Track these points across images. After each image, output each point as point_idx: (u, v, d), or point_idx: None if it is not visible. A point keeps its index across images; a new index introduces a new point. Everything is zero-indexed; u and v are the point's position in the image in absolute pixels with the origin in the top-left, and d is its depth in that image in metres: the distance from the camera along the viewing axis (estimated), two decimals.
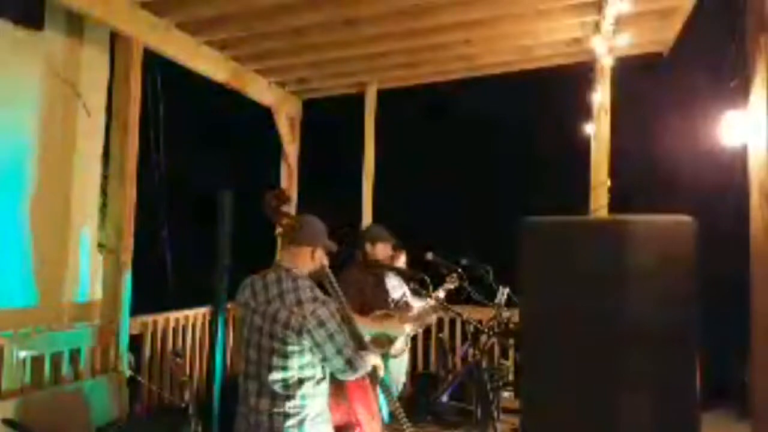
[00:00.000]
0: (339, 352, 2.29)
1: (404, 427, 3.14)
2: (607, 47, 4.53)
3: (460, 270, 3.84)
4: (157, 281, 4.93)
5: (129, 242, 4.10)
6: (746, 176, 2.31)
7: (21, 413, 3.23)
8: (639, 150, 6.04)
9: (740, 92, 2.44)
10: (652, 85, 5.76)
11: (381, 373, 2.84)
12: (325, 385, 2.39)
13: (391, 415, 3.51)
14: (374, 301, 3.76)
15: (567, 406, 1.59)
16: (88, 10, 3.78)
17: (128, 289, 4.07)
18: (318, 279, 2.75)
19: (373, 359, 2.67)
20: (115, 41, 4.24)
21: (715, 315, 2.61)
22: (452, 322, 5.64)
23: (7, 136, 3.91)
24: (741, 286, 2.36)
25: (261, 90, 5.70)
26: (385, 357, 3.66)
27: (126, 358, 4.07)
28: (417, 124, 7.65)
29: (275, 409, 2.28)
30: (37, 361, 3.59)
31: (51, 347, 3.68)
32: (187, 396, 3.32)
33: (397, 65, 5.58)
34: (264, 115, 5.93)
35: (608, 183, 4.88)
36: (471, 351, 4.19)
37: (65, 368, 3.77)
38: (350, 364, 2.34)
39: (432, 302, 3.75)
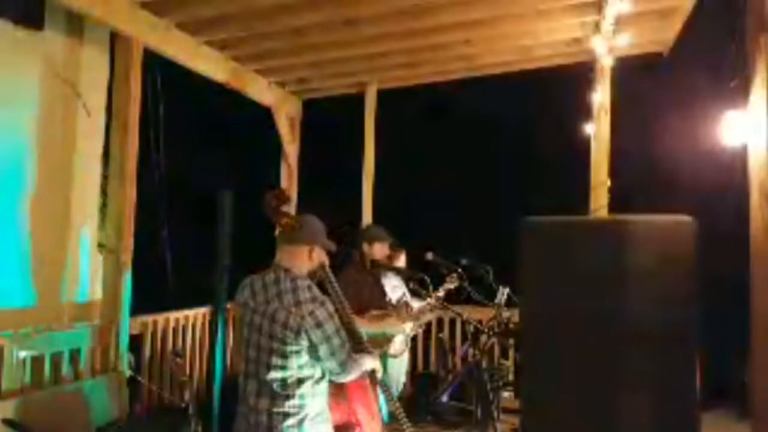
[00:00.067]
0: (333, 354, 2.30)
1: (404, 427, 3.14)
2: (607, 47, 4.53)
3: (460, 270, 3.84)
4: (157, 281, 4.93)
5: (129, 242, 4.10)
6: (746, 176, 2.31)
7: (21, 413, 3.23)
8: (639, 150, 6.04)
9: (740, 92, 2.44)
10: (652, 85, 5.76)
11: (379, 374, 2.84)
12: (324, 385, 2.39)
13: (391, 414, 3.51)
14: (372, 301, 3.76)
15: (567, 406, 1.59)
16: (88, 10, 3.78)
17: (128, 289, 4.08)
18: (318, 279, 2.75)
19: (370, 361, 2.67)
20: (115, 41, 4.24)
21: (715, 315, 2.61)
22: (452, 322, 5.64)
23: (7, 136, 3.91)
24: (741, 286, 2.36)
25: (261, 90, 5.70)
26: (384, 356, 3.66)
27: (126, 358, 4.07)
28: (417, 124, 7.65)
29: (275, 409, 2.28)
30: (37, 361, 3.59)
31: (51, 347, 3.68)
32: (187, 396, 3.33)
33: (397, 65, 5.58)
34: (264, 115, 5.93)
35: (608, 183, 4.88)
36: (471, 351, 4.19)
37: (65, 368, 3.77)
38: (343, 367, 2.35)
39: (431, 301, 3.76)
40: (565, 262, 1.62)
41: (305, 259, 2.43)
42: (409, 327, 4.21)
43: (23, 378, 3.48)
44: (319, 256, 2.52)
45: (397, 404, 3.18)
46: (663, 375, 1.53)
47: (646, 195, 5.93)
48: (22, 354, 3.46)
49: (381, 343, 3.77)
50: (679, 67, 5.29)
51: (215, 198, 3.77)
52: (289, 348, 2.25)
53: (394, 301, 4.18)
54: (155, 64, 4.58)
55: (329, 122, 7.01)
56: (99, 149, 4.47)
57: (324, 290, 2.61)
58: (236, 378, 2.52)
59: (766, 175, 2.17)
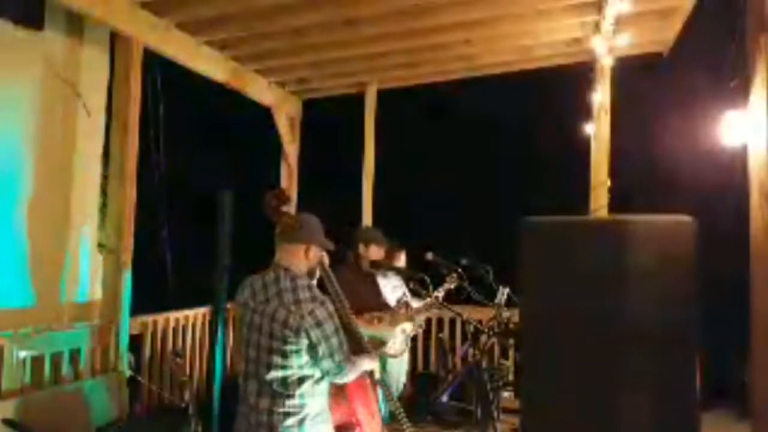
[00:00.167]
0: (331, 354, 2.29)
1: (404, 426, 3.15)
2: (607, 47, 4.53)
3: (460, 270, 3.84)
4: (157, 281, 4.92)
5: (129, 242, 4.10)
6: (746, 176, 2.30)
7: (21, 413, 3.23)
8: (639, 150, 6.04)
9: (740, 92, 2.44)
10: (652, 85, 5.76)
11: (377, 376, 2.84)
12: (324, 385, 2.39)
13: (391, 414, 3.51)
14: (367, 302, 3.76)
15: (567, 406, 1.59)
16: (88, 10, 3.78)
17: (128, 289, 4.08)
18: (318, 279, 2.75)
19: (368, 362, 2.67)
20: (115, 41, 4.24)
21: (715, 315, 2.61)
22: (452, 322, 5.64)
23: (6, 136, 3.91)
24: (741, 286, 2.36)
25: (261, 90, 5.70)
26: (382, 357, 3.65)
27: (126, 358, 4.07)
28: (417, 124, 7.65)
29: (275, 408, 2.28)
30: (37, 361, 3.59)
31: (51, 347, 3.68)
32: (187, 396, 3.33)
33: (397, 65, 5.58)
34: (264, 115, 5.93)
35: (608, 183, 4.88)
36: (471, 351, 4.19)
37: (65, 368, 3.77)
38: (340, 368, 2.35)
39: (428, 300, 3.76)
40: (565, 262, 1.62)
41: (302, 257, 2.43)
42: (409, 327, 4.21)
43: (23, 378, 3.48)
44: (317, 255, 2.52)
45: (397, 404, 3.18)
46: (663, 375, 1.53)
47: (646, 195, 5.93)
48: (22, 354, 3.46)
49: (375, 345, 3.77)
50: (679, 67, 5.29)
51: (215, 198, 3.78)
52: (289, 347, 2.25)
53: (393, 301, 4.19)
54: (155, 64, 4.58)
55: (329, 122, 7.01)
56: (99, 149, 4.46)
57: (324, 289, 2.62)
58: (236, 378, 2.52)
59: (766, 175, 2.17)
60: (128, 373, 4.05)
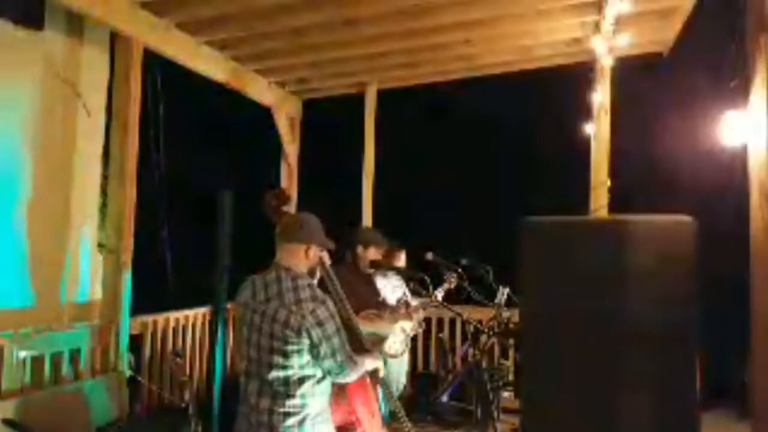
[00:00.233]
0: (333, 354, 2.29)
1: (404, 426, 3.15)
2: (607, 47, 4.53)
3: (460, 270, 3.84)
4: (157, 281, 4.93)
5: (129, 242, 4.10)
6: (746, 176, 2.30)
7: (21, 413, 3.23)
8: (639, 150, 6.04)
9: (740, 92, 2.44)
10: (652, 85, 5.76)
11: (381, 374, 2.84)
12: (325, 385, 2.39)
13: (391, 413, 3.51)
14: (366, 302, 3.76)
15: (567, 406, 1.59)
16: (88, 10, 3.78)
17: (128, 289, 4.08)
18: (319, 278, 2.75)
19: (371, 361, 2.67)
20: (115, 41, 4.24)
21: (715, 315, 2.61)
22: (452, 322, 5.64)
23: (6, 136, 3.91)
24: (741, 286, 2.36)
25: (261, 90, 5.70)
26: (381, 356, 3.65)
27: (126, 358, 4.07)
28: (417, 124, 7.65)
29: (276, 408, 2.27)
30: (37, 361, 3.59)
31: (51, 347, 3.68)
32: (187, 396, 3.33)
33: (397, 65, 5.58)
34: (264, 115, 5.93)
35: (608, 183, 4.88)
36: (471, 351, 4.19)
37: (65, 368, 3.77)
38: (342, 368, 2.34)
39: (425, 299, 3.76)
40: (565, 262, 1.61)
41: (302, 257, 2.43)
42: (409, 327, 4.21)
43: (23, 378, 3.48)
44: (317, 255, 2.52)
45: (397, 403, 3.18)
46: (663, 375, 1.53)
47: (646, 195, 5.93)
48: (22, 354, 3.46)
49: (374, 342, 3.78)
50: (679, 67, 5.29)
51: (215, 198, 3.78)
52: (290, 347, 2.25)
53: (393, 301, 4.19)
54: (155, 64, 4.58)
55: (329, 122, 7.01)
56: (99, 149, 4.46)
57: (324, 288, 2.61)
58: (236, 378, 2.52)
59: (766, 175, 2.17)
60: (128, 373, 4.05)
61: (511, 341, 3.96)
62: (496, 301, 3.79)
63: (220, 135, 7.33)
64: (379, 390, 3.08)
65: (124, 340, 4.08)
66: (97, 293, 4.27)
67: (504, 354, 5.06)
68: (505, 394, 4.40)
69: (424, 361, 5.77)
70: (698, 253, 1.53)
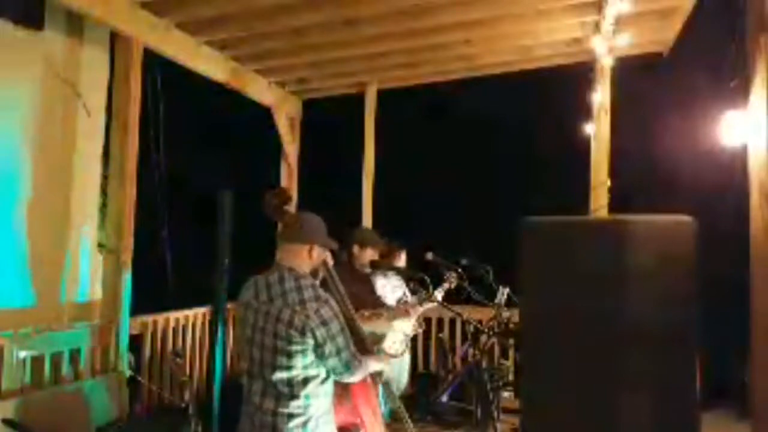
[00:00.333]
0: (338, 352, 2.29)
1: (406, 425, 3.15)
2: (607, 47, 4.53)
3: (460, 270, 3.84)
4: (157, 281, 4.93)
5: (129, 242, 4.10)
6: (746, 176, 2.30)
7: (21, 413, 3.23)
8: (639, 150, 6.04)
9: (740, 92, 2.44)
10: (652, 85, 5.76)
11: (385, 376, 2.84)
12: (329, 385, 2.38)
13: (391, 413, 3.52)
14: (364, 302, 3.76)
15: (567, 406, 1.60)
16: (88, 10, 3.78)
17: (128, 289, 4.08)
18: (321, 278, 2.75)
19: (375, 363, 2.66)
20: (115, 41, 4.24)
21: (715, 315, 2.61)
22: (452, 322, 5.64)
23: (6, 136, 3.91)
24: (741, 286, 2.35)
25: (261, 90, 5.70)
26: (379, 353, 3.66)
27: (126, 358, 4.07)
28: (417, 124, 7.65)
29: (279, 409, 2.27)
30: (37, 361, 3.59)
31: (51, 347, 3.68)
32: (187, 396, 3.32)
33: (397, 65, 5.58)
34: (264, 115, 5.93)
35: (608, 183, 4.88)
36: (471, 351, 4.20)
37: (65, 368, 3.77)
38: (348, 366, 2.34)
39: (422, 297, 3.76)
40: (565, 262, 1.61)
41: (305, 257, 2.42)
42: (409, 328, 4.22)
43: (23, 378, 3.48)
44: (321, 255, 2.51)
45: (400, 403, 3.19)
46: (663, 375, 1.53)
47: (646, 195, 5.93)
48: (22, 354, 3.46)
49: (372, 341, 3.78)
50: (679, 67, 5.29)
51: (215, 198, 3.79)
52: (294, 347, 2.24)
53: (393, 301, 4.19)
54: (155, 64, 4.58)
55: (329, 122, 7.01)
56: (99, 149, 4.46)
57: (327, 289, 2.61)
58: (236, 378, 2.52)
59: (766, 175, 2.17)
60: (128, 373, 4.05)
61: (511, 341, 3.97)
62: (496, 301, 3.80)
63: (220, 135, 7.33)
64: (380, 389, 3.09)
65: (124, 340, 4.08)
66: (97, 293, 4.27)
67: (504, 354, 5.06)
68: (505, 394, 4.40)
69: (424, 361, 5.77)
70: (698, 253, 1.53)
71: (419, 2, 4.23)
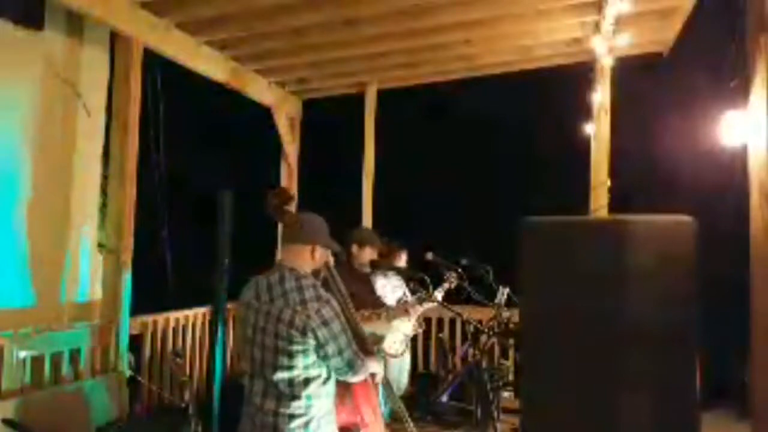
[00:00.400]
0: (340, 352, 2.29)
1: (406, 425, 3.15)
2: (607, 47, 4.53)
3: (460, 270, 3.84)
4: (157, 281, 4.93)
5: (129, 242, 4.10)
6: (746, 176, 2.30)
7: (21, 413, 3.23)
8: (639, 150, 6.04)
9: (740, 92, 2.44)
10: (652, 85, 5.76)
11: (379, 378, 2.84)
12: (331, 386, 2.38)
13: (391, 413, 3.52)
14: (364, 302, 3.76)
15: (567, 406, 1.59)
16: (88, 10, 3.78)
17: (128, 289, 4.08)
18: (322, 279, 2.75)
19: (373, 364, 2.66)
20: (115, 41, 4.24)
21: (715, 315, 2.61)
22: (452, 322, 5.64)
23: (6, 136, 3.91)
24: (741, 286, 2.35)
25: (261, 90, 5.70)
26: (378, 354, 3.66)
27: (126, 358, 4.07)
28: (417, 124, 7.65)
29: (280, 410, 2.27)
30: (37, 361, 3.59)
31: (51, 347, 3.68)
32: (187, 396, 3.33)
33: (397, 65, 5.58)
34: (264, 115, 5.93)
35: (608, 183, 4.88)
36: (471, 351, 4.20)
37: (65, 368, 3.77)
38: (350, 365, 2.34)
39: (421, 295, 3.76)
40: (565, 262, 1.61)
41: (307, 258, 2.42)
42: (409, 328, 4.22)
43: (23, 378, 3.48)
44: (323, 256, 2.51)
45: (400, 403, 3.19)
46: (663, 375, 1.53)
47: (646, 195, 5.93)
48: (22, 354, 3.46)
49: (372, 341, 3.78)
50: (679, 67, 5.29)
51: (215, 198, 3.79)
52: (295, 347, 2.24)
53: (394, 301, 4.19)
54: (155, 64, 4.58)
55: (329, 122, 7.01)
56: (99, 149, 4.46)
57: (328, 289, 2.61)
58: (236, 378, 2.51)
59: (766, 175, 2.17)
60: (128, 373, 4.05)
61: (511, 341, 3.97)
62: (496, 301, 3.80)
63: (220, 135, 7.33)
64: (380, 388, 3.09)
65: (124, 340, 4.08)
66: (97, 293, 4.27)
67: (504, 354, 5.06)
68: (505, 394, 4.40)
69: (424, 361, 5.77)
70: (698, 253, 1.53)
71: (419, 2, 4.23)
